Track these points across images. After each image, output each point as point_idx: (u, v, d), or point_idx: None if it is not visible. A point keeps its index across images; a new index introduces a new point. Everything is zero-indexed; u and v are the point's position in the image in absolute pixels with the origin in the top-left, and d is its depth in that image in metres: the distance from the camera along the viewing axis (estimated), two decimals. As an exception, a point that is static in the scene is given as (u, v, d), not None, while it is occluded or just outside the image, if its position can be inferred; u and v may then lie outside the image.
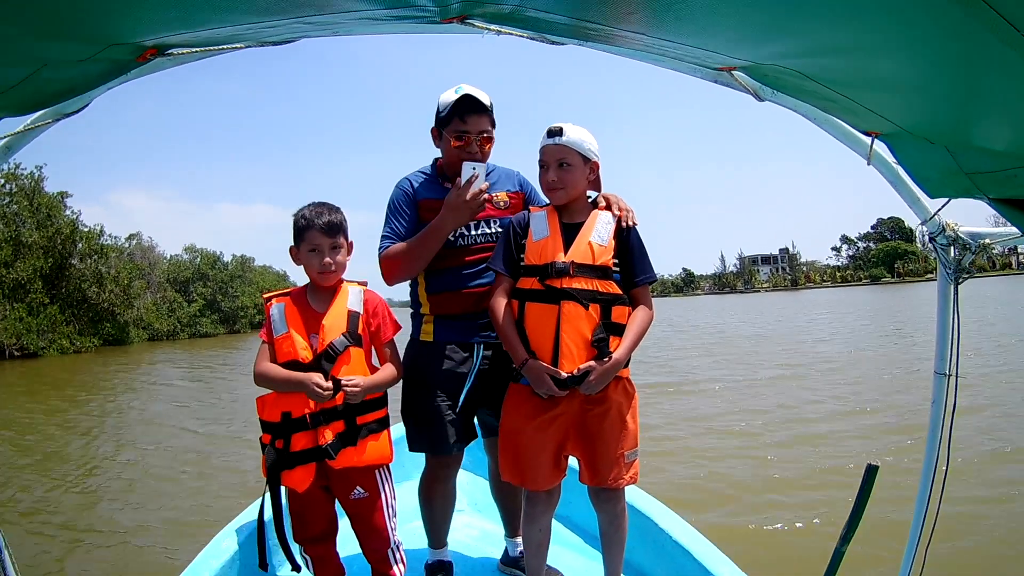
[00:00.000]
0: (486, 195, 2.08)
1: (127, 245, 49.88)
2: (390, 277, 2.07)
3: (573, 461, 1.93)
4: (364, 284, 2.00)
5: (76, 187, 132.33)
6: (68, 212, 36.98)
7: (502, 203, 2.13)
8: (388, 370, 1.94)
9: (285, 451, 1.76)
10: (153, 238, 67.73)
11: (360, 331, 1.88)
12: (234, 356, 25.00)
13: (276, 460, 1.76)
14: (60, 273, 35.66)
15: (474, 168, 1.91)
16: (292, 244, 1.94)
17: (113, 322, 38.82)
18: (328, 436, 1.75)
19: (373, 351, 1.96)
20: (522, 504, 2.00)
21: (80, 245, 37.14)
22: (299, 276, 2.04)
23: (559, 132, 1.85)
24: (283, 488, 1.83)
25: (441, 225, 1.97)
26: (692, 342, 19.43)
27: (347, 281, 1.97)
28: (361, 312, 1.90)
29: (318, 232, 1.87)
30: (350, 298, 1.92)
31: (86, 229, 38.17)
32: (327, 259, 1.88)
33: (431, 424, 2.03)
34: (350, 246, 1.96)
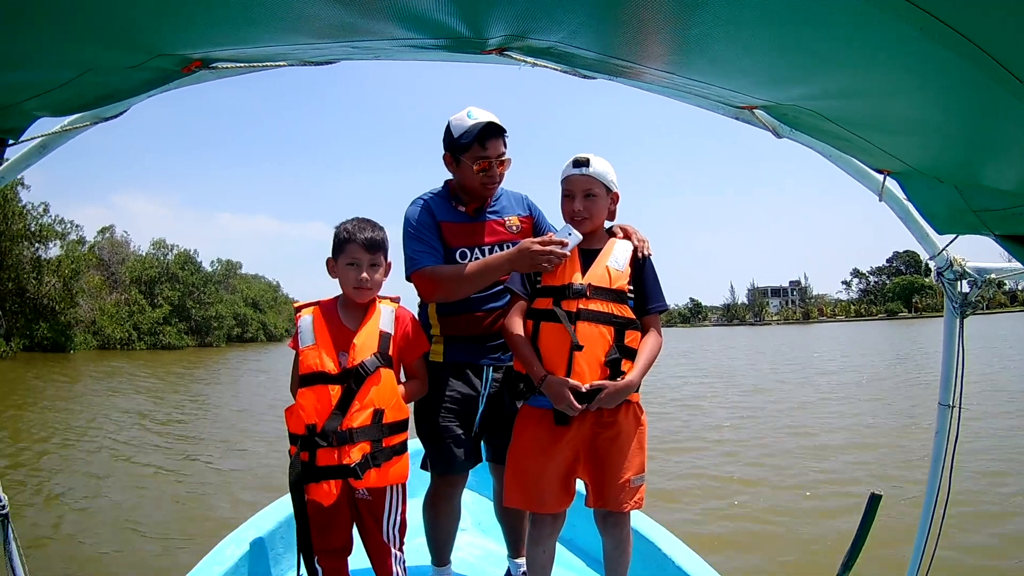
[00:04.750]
0: (501, 219, 2.26)
1: (98, 239, 46.68)
2: (432, 295, 2.17)
3: (580, 485, 2.05)
4: (397, 300, 2.12)
5: (79, 187, 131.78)
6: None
7: (514, 227, 2.29)
8: (416, 384, 2.11)
9: (311, 464, 1.86)
10: (128, 232, 60.77)
11: (391, 352, 1.99)
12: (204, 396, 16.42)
13: (301, 473, 1.87)
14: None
15: (570, 234, 1.96)
16: (330, 256, 2.04)
17: (54, 321, 35.01)
18: (355, 456, 1.85)
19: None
20: (527, 526, 2.12)
21: (15, 226, 32.54)
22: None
23: (586, 163, 1.99)
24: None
25: (500, 264, 2.02)
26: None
27: (380, 298, 2.07)
28: (392, 333, 2.02)
29: (359, 247, 1.98)
30: (383, 318, 2.02)
31: (22, 205, 33.70)
32: (364, 275, 1.98)
33: (439, 443, 2.17)
34: (388, 266, 2.06)
